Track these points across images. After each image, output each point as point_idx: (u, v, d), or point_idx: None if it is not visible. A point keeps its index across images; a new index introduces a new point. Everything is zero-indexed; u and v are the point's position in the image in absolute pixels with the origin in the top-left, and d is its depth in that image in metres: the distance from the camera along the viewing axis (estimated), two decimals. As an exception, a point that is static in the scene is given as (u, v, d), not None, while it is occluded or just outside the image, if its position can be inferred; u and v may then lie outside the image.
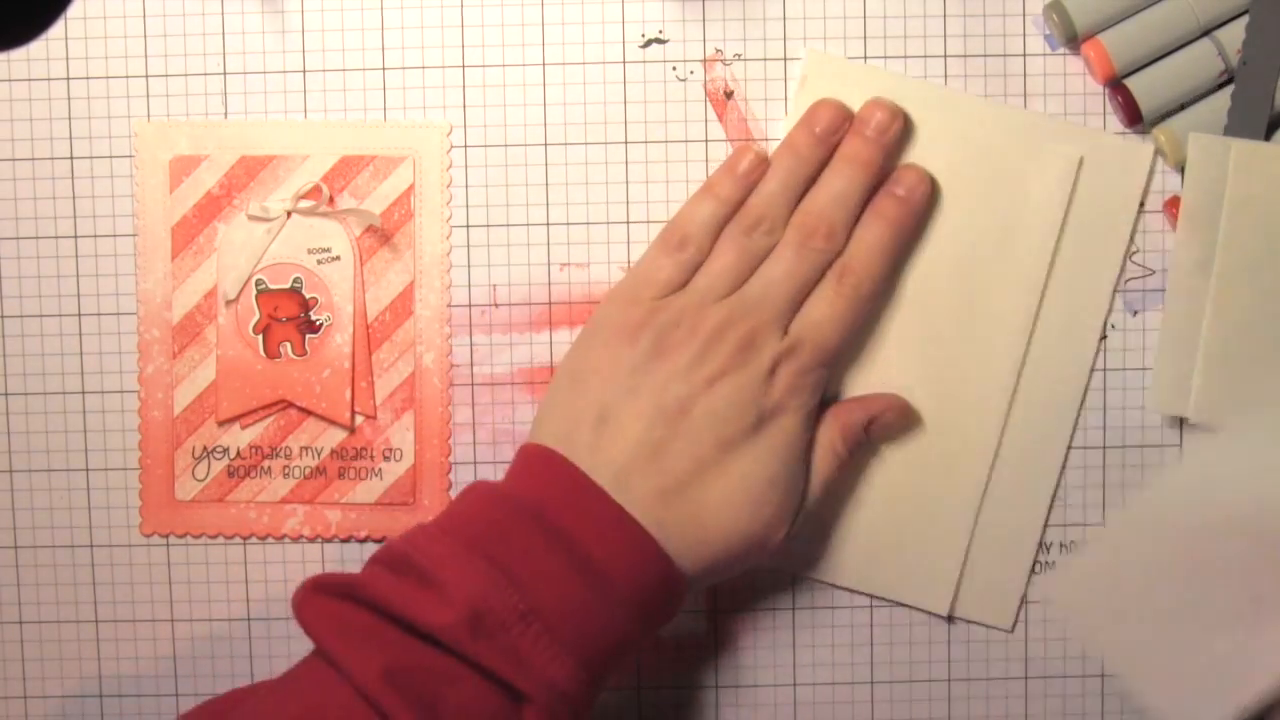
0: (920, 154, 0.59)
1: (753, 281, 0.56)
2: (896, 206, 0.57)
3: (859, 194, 0.57)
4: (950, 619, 0.60)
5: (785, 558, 0.59)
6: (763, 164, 0.57)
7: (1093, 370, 0.60)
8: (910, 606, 0.60)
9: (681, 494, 0.53)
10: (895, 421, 0.59)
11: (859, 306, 0.56)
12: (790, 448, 0.55)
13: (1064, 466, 0.60)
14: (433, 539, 0.51)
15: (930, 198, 0.58)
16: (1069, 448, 0.60)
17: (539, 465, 0.54)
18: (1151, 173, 0.59)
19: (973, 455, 0.59)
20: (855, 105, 0.58)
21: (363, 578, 0.51)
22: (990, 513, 0.60)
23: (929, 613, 0.60)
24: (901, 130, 0.58)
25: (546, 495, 0.53)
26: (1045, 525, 0.60)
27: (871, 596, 0.61)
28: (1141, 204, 0.59)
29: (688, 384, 0.54)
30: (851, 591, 0.61)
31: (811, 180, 0.57)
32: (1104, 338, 0.60)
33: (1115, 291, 0.59)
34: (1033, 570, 0.60)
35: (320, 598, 0.51)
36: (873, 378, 0.59)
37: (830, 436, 0.57)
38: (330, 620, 0.50)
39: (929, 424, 0.60)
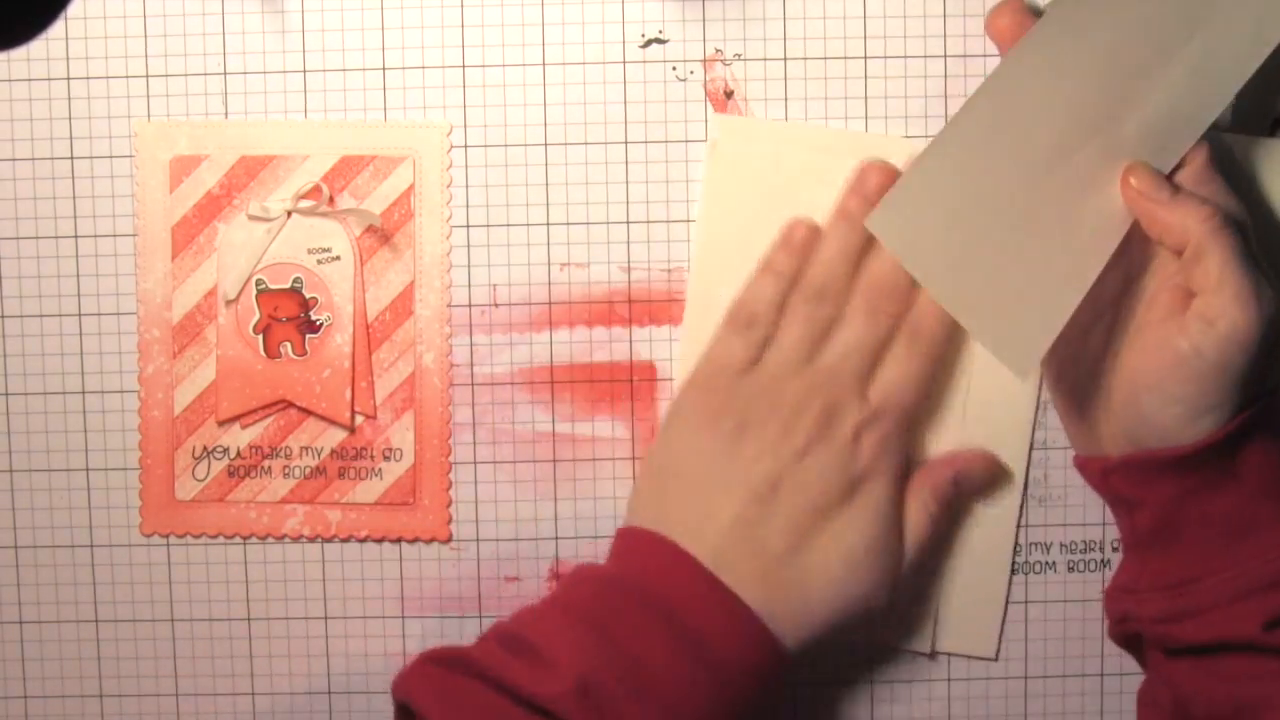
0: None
1: (826, 350, 0.56)
2: None
3: None
4: (933, 655, 0.60)
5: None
6: (815, 234, 0.57)
7: (1041, 389, 0.60)
8: (895, 648, 0.60)
9: (782, 569, 0.53)
10: (982, 474, 0.59)
11: (932, 365, 0.57)
12: (883, 511, 0.55)
13: (1025, 485, 0.60)
14: (541, 615, 0.52)
15: None
16: (1028, 469, 0.60)
17: (643, 546, 0.54)
18: None
19: None
20: (772, 161, 0.58)
21: (473, 651, 0.52)
22: (957, 544, 0.60)
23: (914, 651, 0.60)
24: None
25: (653, 576, 0.53)
26: (1014, 549, 0.60)
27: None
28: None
29: (775, 460, 0.54)
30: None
31: (866, 246, 0.57)
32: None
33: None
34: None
35: (430, 668, 0.51)
36: None
37: (922, 497, 0.56)
38: (436, 690, 0.50)
39: None
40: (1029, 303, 0.53)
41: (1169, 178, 0.53)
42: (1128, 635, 0.56)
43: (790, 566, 0.53)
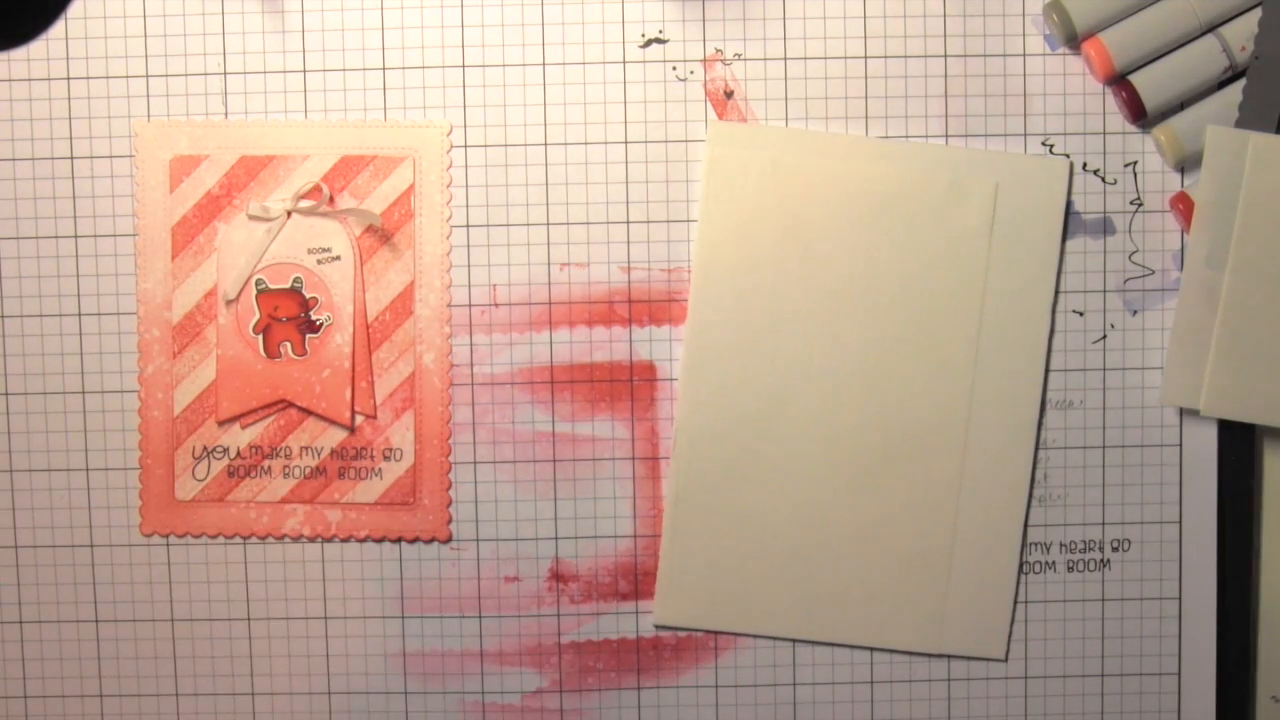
0: (845, 203, 0.59)
1: None
2: None
3: None
4: (938, 655, 0.60)
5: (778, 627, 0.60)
6: None
7: (1045, 390, 0.60)
8: (905, 652, 0.60)
9: None
10: None
11: None
12: None
13: (1031, 486, 0.60)
14: None
15: None
16: (1032, 473, 0.60)
17: None
18: (1070, 186, 0.59)
19: (938, 493, 0.59)
20: (765, 165, 0.58)
21: None
22: (964, 547, 0.60)
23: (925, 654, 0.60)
24: None
25: None
26: (1022, 551, 0.60)
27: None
28: (1068, 214, 0.59)
29: None
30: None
31: None
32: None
33: (1053, 309, 0.60)
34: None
35: None
36: (834, 428, 0.59)
37: None
38: None
39: (890, 468, 0.60)
40: None
41: None
42: None
43: None
